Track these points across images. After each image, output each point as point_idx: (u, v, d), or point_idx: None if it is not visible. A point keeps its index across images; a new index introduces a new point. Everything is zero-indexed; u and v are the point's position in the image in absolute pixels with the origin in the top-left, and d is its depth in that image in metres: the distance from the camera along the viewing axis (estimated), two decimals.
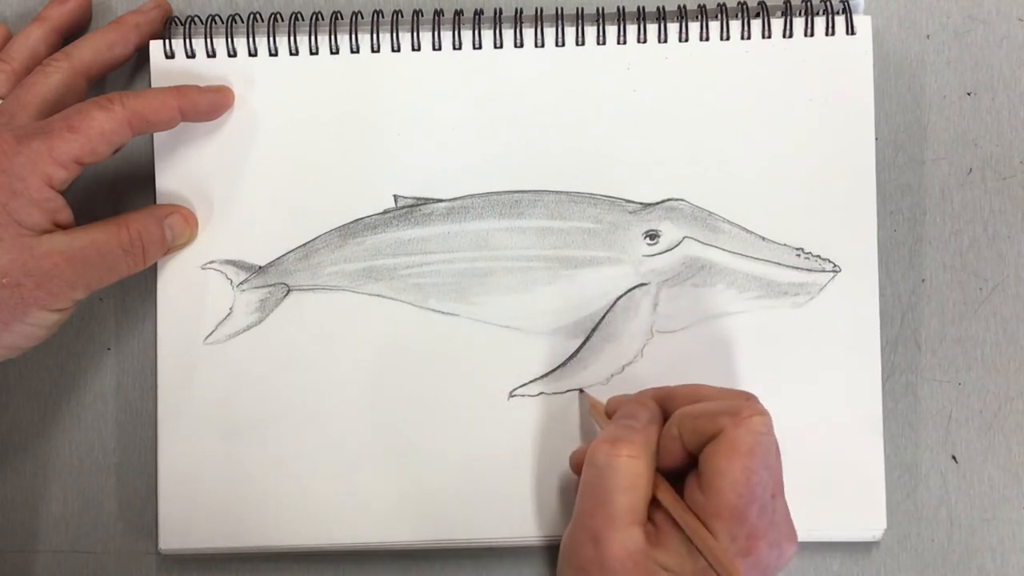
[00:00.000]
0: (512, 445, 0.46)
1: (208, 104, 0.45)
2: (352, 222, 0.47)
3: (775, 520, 0.39)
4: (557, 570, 0.43)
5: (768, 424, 0.38)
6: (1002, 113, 0.49)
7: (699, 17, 0.47)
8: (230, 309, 0.47)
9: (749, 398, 0.40)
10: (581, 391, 0.46)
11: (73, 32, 0.48)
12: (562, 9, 0.47)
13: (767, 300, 0.47)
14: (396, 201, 0.47)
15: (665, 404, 0.42)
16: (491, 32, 0.46)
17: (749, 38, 0.47)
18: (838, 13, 0.47)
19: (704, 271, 0.47)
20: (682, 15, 0.47)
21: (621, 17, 0.47)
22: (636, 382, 0.46)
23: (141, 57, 0.47)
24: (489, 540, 0.46)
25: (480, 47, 0.47)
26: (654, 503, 0.40)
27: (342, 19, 0.47)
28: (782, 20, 0.46)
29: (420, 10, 0.47)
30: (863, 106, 0.47)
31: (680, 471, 0.40)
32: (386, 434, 0.46)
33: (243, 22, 0.47)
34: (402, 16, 0.47)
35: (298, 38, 0.47)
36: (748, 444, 0.38)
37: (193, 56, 0.47)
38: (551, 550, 0.48)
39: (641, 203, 0.47)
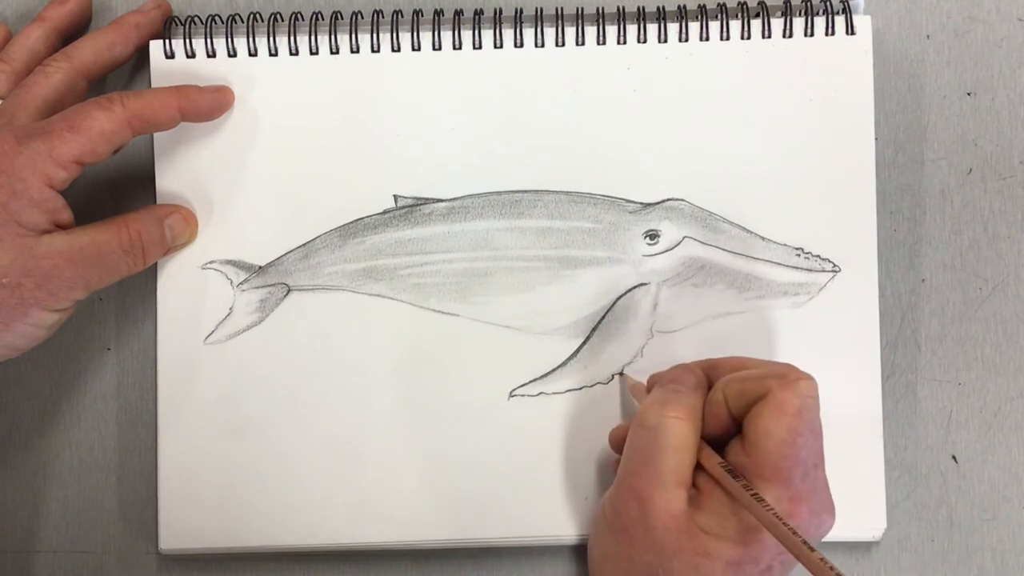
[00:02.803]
0: (512, 445, 0.46)
1: (208, 104, 0.45)
2: (352, 222, 0.47)
3: (816, 488, 0.39)
4: (593, 533, 0.43)
5: (814, 389, 0.39)
6: (1002, 113, 0.49)
7: (699, 17, 0.47)
8: (230, 309, 0.47)
9: (793, 367, 0.40)
10: (622, 373, 0.46)
11: (73, 32, 0.48)
12: (562, 9, 0.47)
13: (767, 300, 0.47)
14: (396, 201, 0.47)
15: (709, 374, 0.42)
16: (491, 32, 0.46)
17: (749, 38, 0.47)
18: (838, 13, 0.47)
19: (704, 271, 0.47)
20: (682, 15, 0.47)
21: (621, 17, 0.47)
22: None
23: (141, 57, 0.47)
24: (489, 540, 0.46)
25: (480, 47, 0.47)
26: (696, 468, 0.40)
27: (342, 19, 0.47)
28: (782, 20, 0.46)
29: (420, 10, 0.47)
30: (863, 106, 0.47)
31: (723, 439, 0.41)
32: (385, 434, 0.46)
33: (243, 22, 0.47)
34: (402, 16, 0.47)
35: (298, 38, 0.47)
36: (795, 406, 0.38)
37: (193, 56, 0.47)
38: (551, 550, 0.48)
39: (641, 203, 0.47)
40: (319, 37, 0.47)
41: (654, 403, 0.41)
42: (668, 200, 0.47)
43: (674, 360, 0.46)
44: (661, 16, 0.47)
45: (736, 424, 0.40)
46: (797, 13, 0.47)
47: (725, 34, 0.46)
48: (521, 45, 0.47)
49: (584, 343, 0.47)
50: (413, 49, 0.47)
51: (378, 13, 0.47)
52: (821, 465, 0.40)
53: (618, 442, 0.44)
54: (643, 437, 0.40)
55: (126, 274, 0.44)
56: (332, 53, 0.47)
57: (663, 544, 0.39)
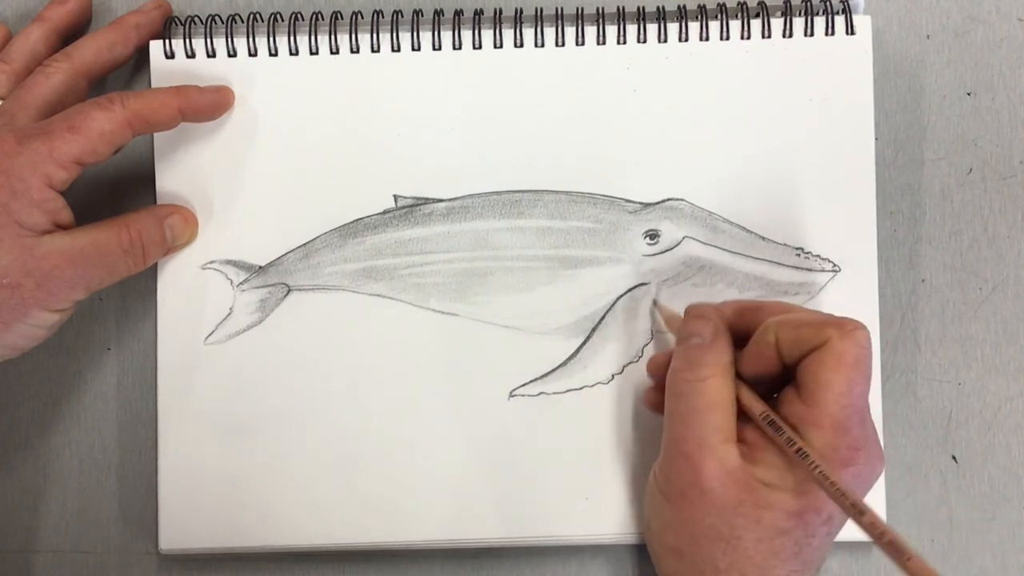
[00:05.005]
0: (512, 445, 0.46)
1: (208, 104, 0.45)
2: (352, 222, 0.47)
3: (868, 435, 0.40)
4: (648, 506, 0.43)
5: (869, 339, 0.39)
6: (1002, 113, 0.49)
7: (699, 17, 0.47)
8: (230, 309, 0.47)
9: (847, 318, 0.40)
10: (655, 303, 0.46)
11: (73, 32, 0.48)
12: (562, 9, 0.47)
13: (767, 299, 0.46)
14: (396, 201, 0.47)
15: (751, 316, 0.42)
16: (491, 32, 0.46)
17: (749, 38, 0.47)
18: (838, 13, 0.47)
19: (704, 271, 0.47)
20: (682, 15, 0.47)
21: (621, 17, 0.47)
22: (637, 382, 0.46)
23: (141, 57, 0.47)
24: (488, 540, 0.46)
25: (480, 47, 0.47)
26: (742, 421, 0.40)
27: (342, 19, 0.47)
28: (782, 20, 0.47)
29: (420, 10, 0.47)
30: (863, 106, 0.47)
31: (768, 379, 0.41)
32: (386, 434, 0.46)
33: (243, 22, 0.47)
34: (402, 16, 0.47)
35: (298, 38, 0.47)
36: (854, 356, 0.38)
37: (193, 56, 0.47)
38: (551, 550, 0.48)
39: (641, 203, 0.47)
40: (319, 37, 0.47)
41: (679, 368, 0.41)
42: (668, 200, 0.47)
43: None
44: (661, 16, 0.47)
45: (784, 366, 0.40)
46: (797, 13, 0.47)
47: (725, 34, 0.46)
48: (521, 45, 0.47)
49: (584, 343, 0.47)
50: (413, 49, 0.47)
51: (378, 13, 0.47)
52: (869, 411, 0.40)
53: (656, 366, 0.44)
54: (679, 405, 0.41)
55: (126, 274, 0.44)
56: (332, 53, 0.47)
57: (722, 502, 0.39)
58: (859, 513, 0.36)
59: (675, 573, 0.42)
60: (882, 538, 0.35)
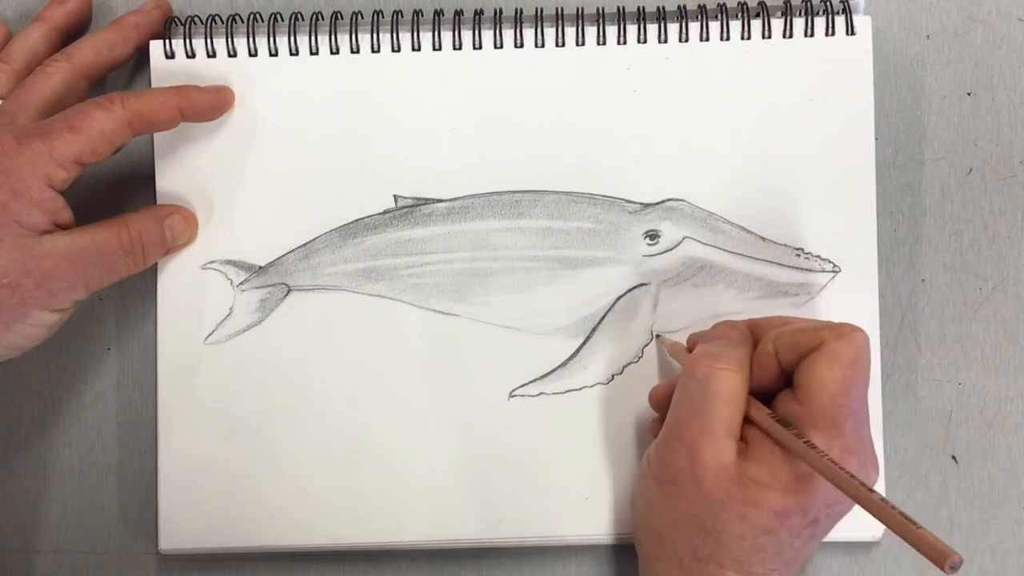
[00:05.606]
0: (512, 445, 0.46)
1: (208, 104, 0.45)
2: (352, 222, 0.47)
3: (863, 441, 0.40)
4: (637, 485, 0.44)
5: (867, 341, 0.39)
6: (1002, 113, 0.49)
7: (699, 17, 0.47)
8: (230, 309, 0.47)
9: (845, 323, 0.40)
10: (657, 336, 0.46)
11: (73, 32, 0.48)
12: (562, 9, 0.47)
13: (767, 300, 0.47)
14: (396, 201, 0.47)
15: (753, 331, 0.43)
16: (491, 32, 0.46)
17: (749, 38, 0.47)
18: (838, 13, 0.47)
19: (704, 271, 0.47)
20: (682, 15, 0.47)
21: (621, 17, 0.47)
22: (637, 382, 0.46)
23: (141, 57, 0.47)
24: (488, 540, 0.46)
25: (480, 47, 0.47)
26: (743, 422, 0.40)
27: (342, 19, 0.47)
28: (782, 20, 0.47)
29: (420, 10, 0.47)
30: (863, 106, 0.47)
31: (770, 391, 0.41)
32: (386, 434, 0.46)
33: (243, 22, 0.47)
34: (402, 16, 0.47)
35: (298, 38, 0.47)
36: (850, 356, 0.38)
37: (193, 56, 0.47)
38: (551, 550, 0.48)
39: (641, 203, 0.47)
40: (319, 37, 0.47)
41: (704, 355, 0.41)
42: (668, 200, 0.47)
43: (674, 361, 0.46)
44: (661, 16, 0.47)
45: (785, 376, 0.40)
46: (797, 13, 0.47)
47: (725, 34, 0.46)
48: (521, 45, 0.47)
49: (584, 343, 0.47)
50: (413, 49, 0.47)
51: (378, 13, 0.47)
52: (867, 419, 0.40)
53: (658, 399, 0.45)
54: (693, 389, 0.40)
55: (126, 274, 0.44)
56: (332, 53, 0.47)
57: (712, 494, 0.39)
58: (868, 495, 0.36)
59: (654, 556, 0.42)
60: (892, 518, 0.35)
